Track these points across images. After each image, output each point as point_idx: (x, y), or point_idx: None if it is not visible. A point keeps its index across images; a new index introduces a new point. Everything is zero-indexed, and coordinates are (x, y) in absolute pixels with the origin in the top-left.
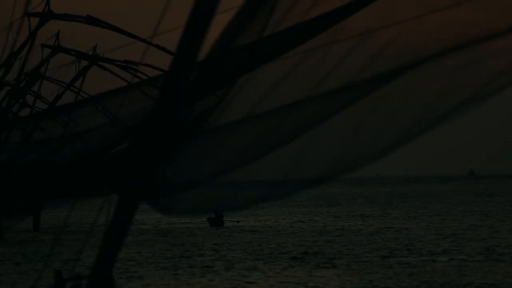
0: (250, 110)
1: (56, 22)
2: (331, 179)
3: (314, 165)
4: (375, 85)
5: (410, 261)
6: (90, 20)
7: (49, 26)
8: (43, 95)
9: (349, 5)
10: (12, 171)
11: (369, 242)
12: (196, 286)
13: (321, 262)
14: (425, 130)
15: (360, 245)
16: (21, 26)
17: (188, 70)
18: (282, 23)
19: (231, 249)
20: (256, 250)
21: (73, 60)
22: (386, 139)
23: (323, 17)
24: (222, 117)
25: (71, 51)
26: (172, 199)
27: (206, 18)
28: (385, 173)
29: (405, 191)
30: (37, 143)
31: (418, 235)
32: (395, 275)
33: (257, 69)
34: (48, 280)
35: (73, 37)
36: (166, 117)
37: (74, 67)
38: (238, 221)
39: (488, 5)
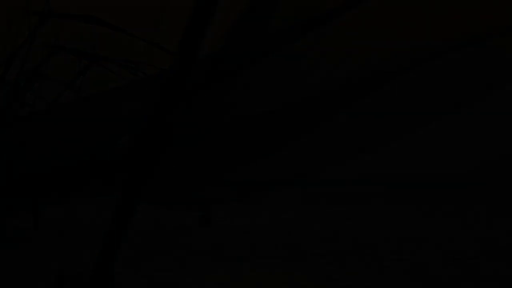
0: (251, 110)
1: (56, 21)
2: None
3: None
4: (374, 85)
5: None
6: (90, 20)
7: (49, 26)
8: (43, 95)
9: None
10: (12, 171)
11: None
12: (196, 285)
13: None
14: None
15: None
16: (21, 25)
17: (188, 69)
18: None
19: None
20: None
21: (73, 60)
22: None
23: (322, 15)
24: (223, 117)
25: (71, 51)
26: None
27: (206, 18)
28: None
29: None
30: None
31: None
32: None
33: (255, 69)
34: (48, 280)
35: (73, 37)
36: (165, 116)
37: (74, 67)
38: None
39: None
